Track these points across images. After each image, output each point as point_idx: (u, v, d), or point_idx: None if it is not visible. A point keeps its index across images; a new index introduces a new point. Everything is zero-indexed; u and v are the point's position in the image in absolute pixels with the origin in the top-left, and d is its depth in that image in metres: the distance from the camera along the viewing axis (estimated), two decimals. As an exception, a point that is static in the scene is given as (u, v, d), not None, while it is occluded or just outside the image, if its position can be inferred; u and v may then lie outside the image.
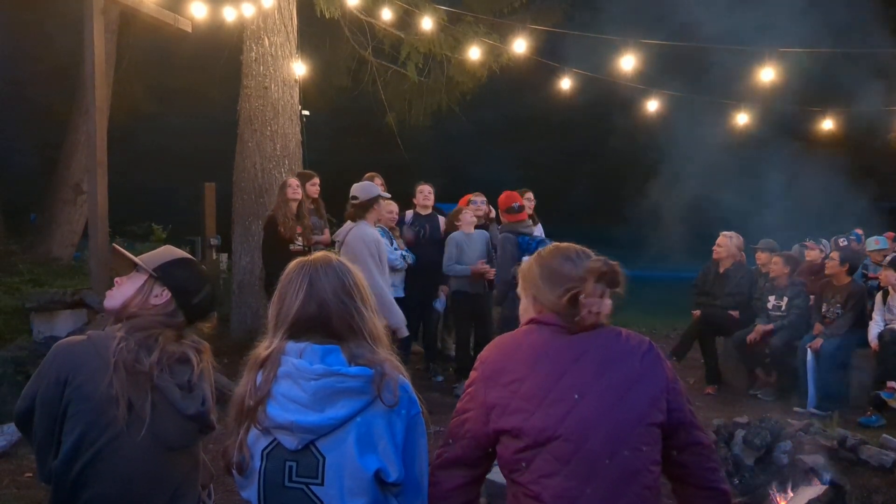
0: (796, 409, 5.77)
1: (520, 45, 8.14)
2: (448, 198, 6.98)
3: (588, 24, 8.01)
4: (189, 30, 6.23)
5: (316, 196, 6.60)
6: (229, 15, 7.16)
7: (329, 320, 1.69)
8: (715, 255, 6.82)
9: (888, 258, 6.03)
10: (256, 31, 7.55)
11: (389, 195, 6.48)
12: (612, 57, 7.64)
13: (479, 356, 1.83)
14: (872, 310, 5.93)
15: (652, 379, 1.72)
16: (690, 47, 7.56)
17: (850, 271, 6.21)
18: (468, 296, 6.13)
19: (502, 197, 5.93)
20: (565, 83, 8.20)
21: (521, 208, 5.87)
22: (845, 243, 6.39)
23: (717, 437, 4.08)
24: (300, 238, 5.94)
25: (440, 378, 6.64)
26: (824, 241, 7.09)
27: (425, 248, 6.42)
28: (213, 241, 10.57)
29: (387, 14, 8.05)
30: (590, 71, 8.11)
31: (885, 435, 4.34)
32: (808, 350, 5.91)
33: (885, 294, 5.84)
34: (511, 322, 2.36)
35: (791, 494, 3.63)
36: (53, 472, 1.82)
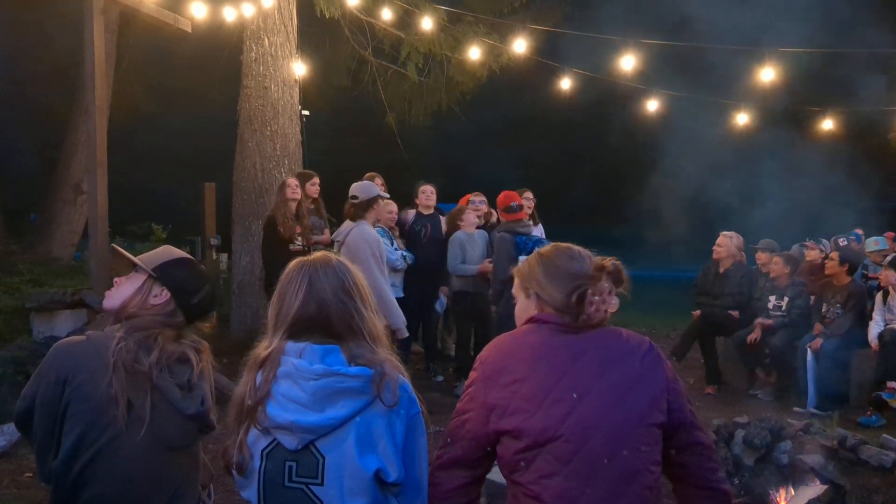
0: (796, 409, 5.77)
1: (520, 45, 8.14)
2: (448, 198, 6.99)
3: (588, 24, 8.00)
4: (189, 30, 6.23)
5: (316, 196, 6.60)
6: (229, 15, 7.16)
7: (329, 320, 1.69)
8: (715, 255, 6.81)
9: (888, 258, 6.03)
10: (256, 31, 7.55)
11: (388, 195, 6.49)
12: (612, 57, 7.64)
13: (478, 356, 1.82)
14: (872, 310, 5.94)
15: (652, 379, 1.72)
16: (690, 47, 7.56)
17: (850, 271, 6.21)
18: (470, 295, 6.13)
19: (501, 196, 5.94)
20: (565, 83, 8.21)
21: (520, 207, 5.87)
22: (845, 243, 6.39)
23: (717, 437, 4.08)
24: (300, 238, 5.94)
25: (440, 378, 6.64)
26: (824, 241, 7.08)
27: (426, 247, 6.43)
28: (213, 241, 10.57)
29: (387, 14, 8.05)
30: (590, 71, 8.11)
31: (885, 435, 4.33)
32: (808, 350, 5.91)
33: (885, 294, 5.84)
34: (507, 320, 2.36)
35: (791, 494, 3.63)
36: (53, 472, 1.82)
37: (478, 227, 6.34)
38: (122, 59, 10.98)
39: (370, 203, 5.19)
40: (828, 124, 8.06)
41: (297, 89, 7.88)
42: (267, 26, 7.54)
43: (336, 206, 5.95)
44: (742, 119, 8.07)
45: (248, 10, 7.14)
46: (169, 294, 1.97)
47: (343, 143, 16.04)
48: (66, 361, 1.83)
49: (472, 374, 1.80)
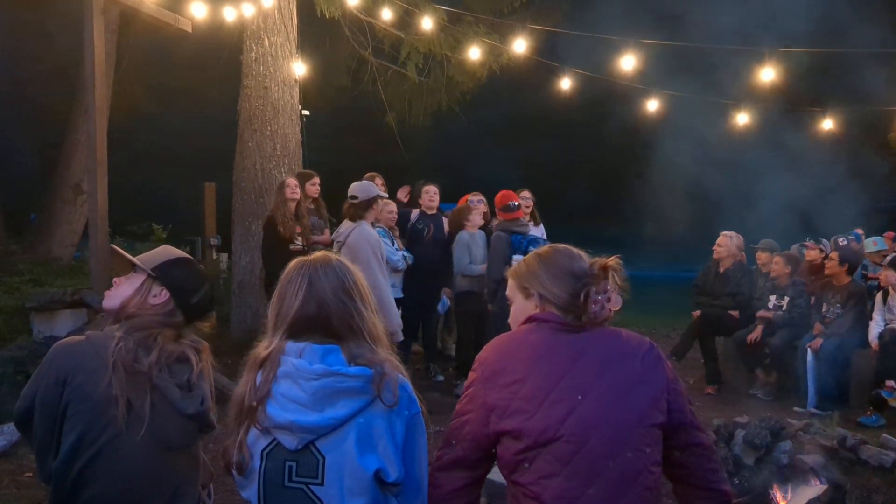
0: (796, 409, 5.77)
1: (520, 45, 8.14)
2: (448, 198, 7.00)
3: (588, 24, 7.99)
4: (189, 30, 6.23)
5: (316, 196, 6.60)
6: (229, 15, 7.15)
7: (329, 320, 1.69)
8: (715, 255, 6.82)
9: (888, 258, 6.03)
10: (256, 31, 7.55)
11: (387, 195, 6.50)
12: (612, 57, 7.64)
13: (477, 357, 1.82)
14: (872, 310, 5.94)
15: (652, 379, 1.72)
16: (690, 47, 7.56)
17: (850, 271, 6.21)
18: (476, 295, 6.13)
19: (499, 195, 5.96)
20: (565, 83, 8.21)
21: (517, 207, 5.88)
22: (845, 243, 6.39)
23: (717, 437, 4.08)
24: (300, 238, 5.94)
25: (440, 378, 6.64)
26: (824, 241, 7.08)
27: (428, 247, 6.44)
28: (213, 241, 10.58)
29: (387, 14, 8.05)
30: (590, 71, 8.11)
31: (885, 435, 4.34)
32: (808, 350, 5.91)
33: (885, 294, 5.84)
34: (502, 319, 2.37)
35: (791, 494, 3.63)
36: (53, 472, 1.82)
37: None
38: (122, 59, 10.97)
39: (370, 203, 5.20)
40: (828, 124, 8.06)
41: (297, 89, 7.88)
42: (267, 26, 7.54)
43: (336, 206, 5.95)
44: (742, 119, 8.07)
45: (248, 10, 7.14)
46: (168, 294, 1.97)
47: (343, 143, 16.04)
48: (65, 361, 1.83)
49: (472, 375, 1.79)
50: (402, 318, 6.56)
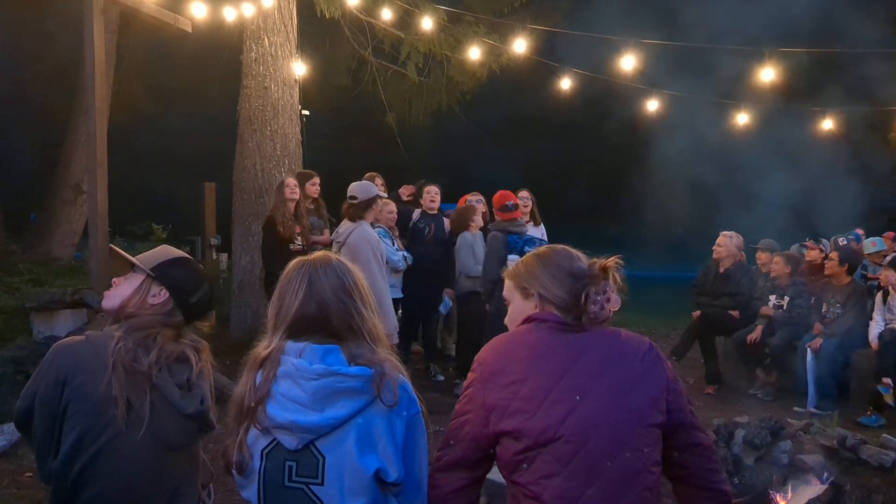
0: (796, 409, 5.77)
1: (520, 45, 8.14)
2: (448, 198, 7.01)
3: (588, 24, 8.00)
4: (189, 30, 6.23)
5: (316, 196, 6.60)
6: (229, 15, 7.15)
7: (328, 320, 1.69)
8: (715, 255, 6.81)
9: (888, 258, 6.03)
10: (256, 31, 7.55)
11: (386, 195, 6.50)
12: (612, 57, 7.64)
13: (476, 357, 1.81)
14: (872, 310, 5.94)
15: (652, 379, 1.72)
16: (690, 47, 7.56)
17: (850, 271, 6.21)
18: (479, 296, 6.13)
19: (497, 195, 5.97)
20: (565, 83, 8.21)
21: (515, 206, 5.88)
22: (845, 243, 6.39)
23: (717, 437, 4.08)
24: (299, 238, 5.94)
25: (440, 378, 6.64)
26: (824, 241, 7.08)
27: (428, 247, 6.45)
28: (213, 241, 10.59)
29: (387, 14, 8.05)
30: (590, 71, 8.11)
31: (885, 435, 4.33)
32: (808, 350, 5.91)
33: (885, 294, 5.84)
34: (498, 319, 2.37)
35: (791, 494, 3.63)
36: (53, 472, 1.82)
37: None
38: (122, 59, 10.98)
39: (369, 203, 5.19)
40: (828, 124, 8.06)
41: (297, 89, 7.88)
42: (267, 26, 7.54)
43: (336, 206, 5.96)
44: (742, 118, 8.07)
45: (248, 10, 7.14)
46: (167, 293, 1.97)
47: (343, 143, 16.05)
48: (65, 361, 1.82)
49: (471, 376, 1.79)
50: (402, 318, 6.59)
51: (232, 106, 7.91)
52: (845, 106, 8.03)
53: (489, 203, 6.50)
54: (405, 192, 7.37)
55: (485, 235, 6.29)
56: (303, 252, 5.31)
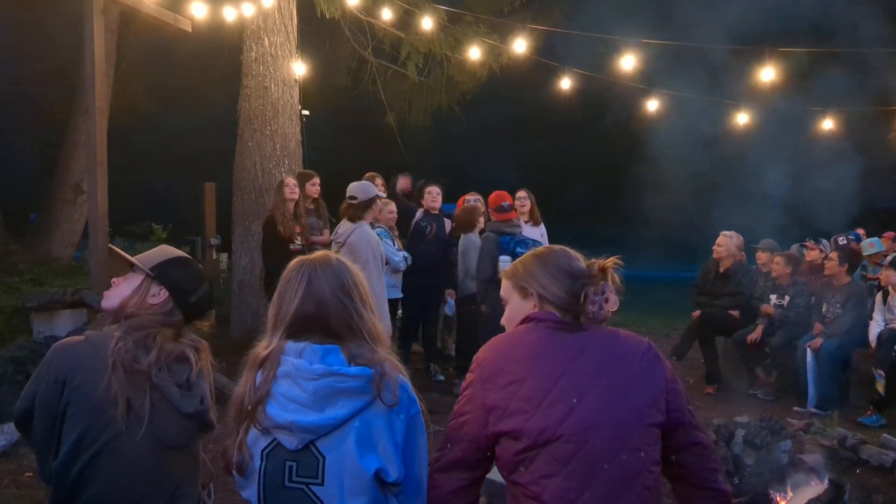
0: (796, 408, 5.78)
1: (520, 45, 8.14)
2: (448, 198, 7.01)
3: (588, 24, 8.00)
4: (189, 30, 6.22)
5: (316, 196, 6.60)
6: (229, 15, 7.15)
7: (327, 320, 1.69)
8: (715, 255, 6.81)
9: (889, 258, 6.03)
10: (256, 31, 7.55)
11: (385, 195, 6.50)
12: (612, 56, 7.64)
13: (475, 357, 1.81)
14: (872, 310, 5.94)
15: (651, 379, 1.72)
16: (690, 47, 7.56)
17: (850, 271, 6.21)
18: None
19: (492, 195, 5.99)
20: (565, 83, 8.21)
21: (511, 207, 5.89)
22: (845, 242, 6.39)
23: (717, 437, 4.09)
24: (299, 237, 5.94)
25: (440, 378, 6.64)
26: (824, 241, 7.09)
27: (429, 246, 6.46)
28: (213, 241, 10.58)
29: (387, 14, 8.05)
30: (589, 71, 8.11)
31: (885, 434, 4.33)
32: (808, 350, 5.91)
33: (886, 294, 5.84)
34: (494, 319, 2.37)
35: (791, 494, 3.63)
36: (53, 472, 1.82)
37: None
38: (122, 59, 10.97)
39: (368, 204, 5.19)
40: (828, 124, 8.06)
41: (297, 89, 7.88)
42: (267, 26, 7.54)
43: (336, 206, 5.96)
44: (742, 118, 8.08)
45: (248, 10, 7.14)
46: (167, 293, 1.96)
47: (343, 143, 16.05)
48: (65, 361, 1.82)
49: (470, 376, 1.79)
50: (402, 318, 6.59)
51: (232, 106, 7.91)
52: (845, 105, 8.03)
53: (487, 203, 6.51)
54: (402, 182, 7.31)
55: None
56: (302, 252, 5.32)
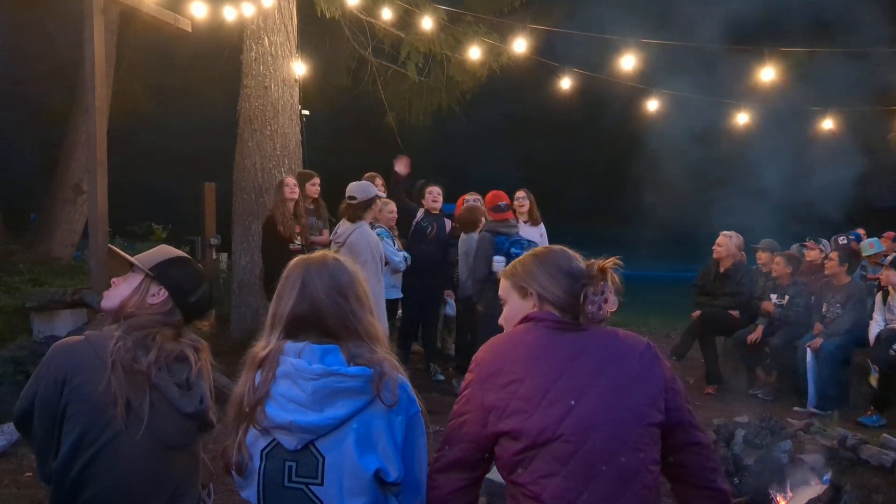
0: (796, 408, 5.78)
1: (520, 45, 8.14)
2: (448, 197, 7.01)
3: (588, 24, 8.00)
4: (189, 29, 6.22)
5: (316, 196, 6.60)
6: (229, 15, 7.15)
7: (323, 320, 1.69)
8: (715, 255, 6.81)
9: (889, 258, 6.03)
10: (256, 31, 7.55)
11: (385, 195, 6.50)
12: (612, 56, 7.64)
13: (474, 357, 1.81)
14: (872, 310, 5.94)
15: (650, 379, 1.72)
16: (690, 47, 7.56)
17: (850, 271, 6.21)
18: None
19: (489, 196, 5.98)
20: (565, 83, 8.21)
21: (507, 207, 5.88)
22: (845, 242, 6.39)
23: (717, 437, 4.09)
24: (299, 237, 5.94)
25: (440, 378, 6.64)
26: (824, 241, 7.09)
27: (429, 245, 6.46)
28: (213, 241, 10.59)
29: (387, 14, 8.05)
30: (589, 70, 8.11)
31: (885, 434, 4.33)
32: (808, 350, 5.91)
33: (885, 294, 5.84)
34: (490, 318, 2.38)
35: (791, 494, 3.63)
36: (53, 472, 1.82)
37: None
38: (122, 59, 10.97)
39: (368, 204, 5.19)
40: (828, 124, 8.06)
41: (297, 89, 7.88)
42: (267, 26, 7.54)
43: (336, 206, 5.97)
44: (742, 118, 8.08)
45: (248, 10, 7.14)
46: (167, 293, 1.96)
47: (343, 143, 16.05)
48: (64, 362, 1.82)
49: (469, 376, 1.78)
50: (402, 317, 6.59)
51: (232, 106, 7.91)
52: (845, 105, 8.03)
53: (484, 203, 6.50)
54: (399, 165, 7.09)
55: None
56: (302, 252, 5.32)
